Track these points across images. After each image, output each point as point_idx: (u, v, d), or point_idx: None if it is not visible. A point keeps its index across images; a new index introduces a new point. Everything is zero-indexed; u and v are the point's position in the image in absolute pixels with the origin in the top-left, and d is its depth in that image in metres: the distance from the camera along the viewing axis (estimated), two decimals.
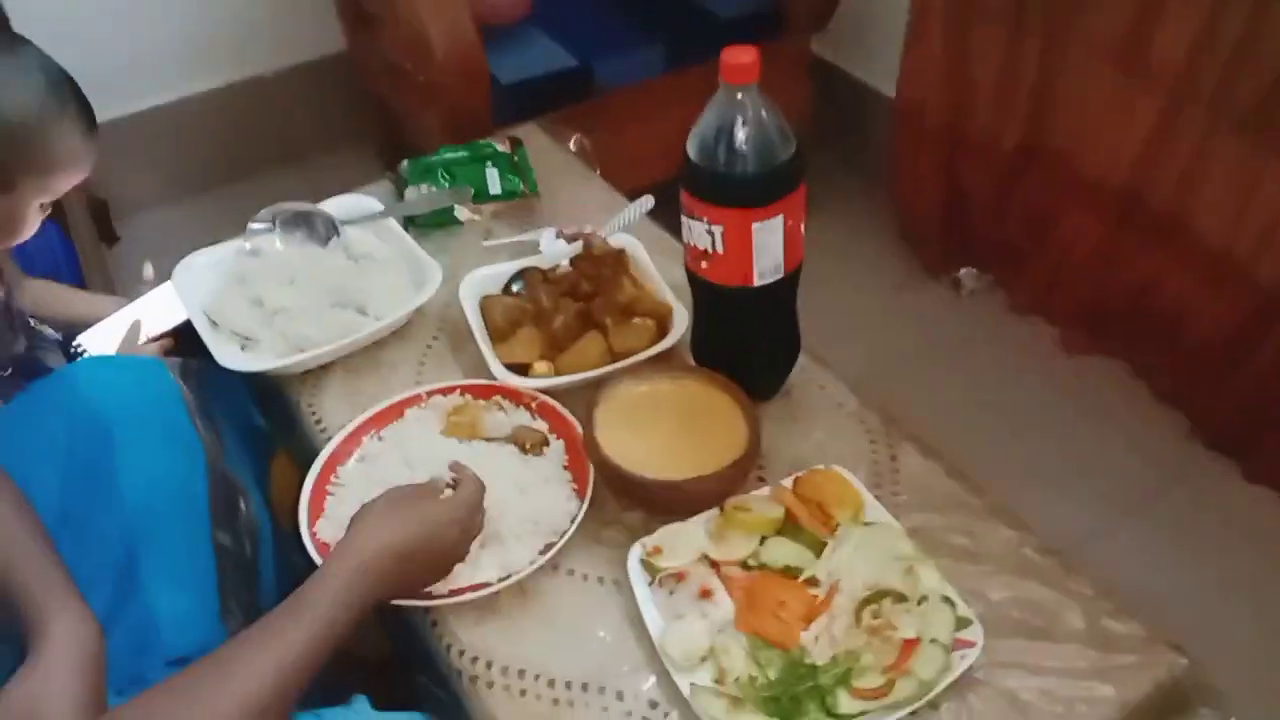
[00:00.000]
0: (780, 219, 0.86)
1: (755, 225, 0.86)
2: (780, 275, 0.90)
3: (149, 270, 1.25)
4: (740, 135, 0.83)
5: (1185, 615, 1.24)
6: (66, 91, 1.07)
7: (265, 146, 2.25)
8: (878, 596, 0.82)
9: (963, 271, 1.90)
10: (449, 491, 0.89)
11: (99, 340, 1.21)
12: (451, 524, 0.84)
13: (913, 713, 0.77)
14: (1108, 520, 1.51)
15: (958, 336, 1.82)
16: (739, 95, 0.83)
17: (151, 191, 2.18)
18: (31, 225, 1.14)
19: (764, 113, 0.84)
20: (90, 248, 1.77)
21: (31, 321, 1.28)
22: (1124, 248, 1.64)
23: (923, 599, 0.81)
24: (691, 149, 0.86)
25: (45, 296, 1.35)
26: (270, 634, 0.73)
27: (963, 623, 0.80)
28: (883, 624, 0.80)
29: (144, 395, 0.97)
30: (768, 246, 0.87)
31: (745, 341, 0.98)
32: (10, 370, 1.19)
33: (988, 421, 1.64)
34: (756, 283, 0.90)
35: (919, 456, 0.96)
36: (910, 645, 0.79)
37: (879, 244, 1.99)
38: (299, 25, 2.16)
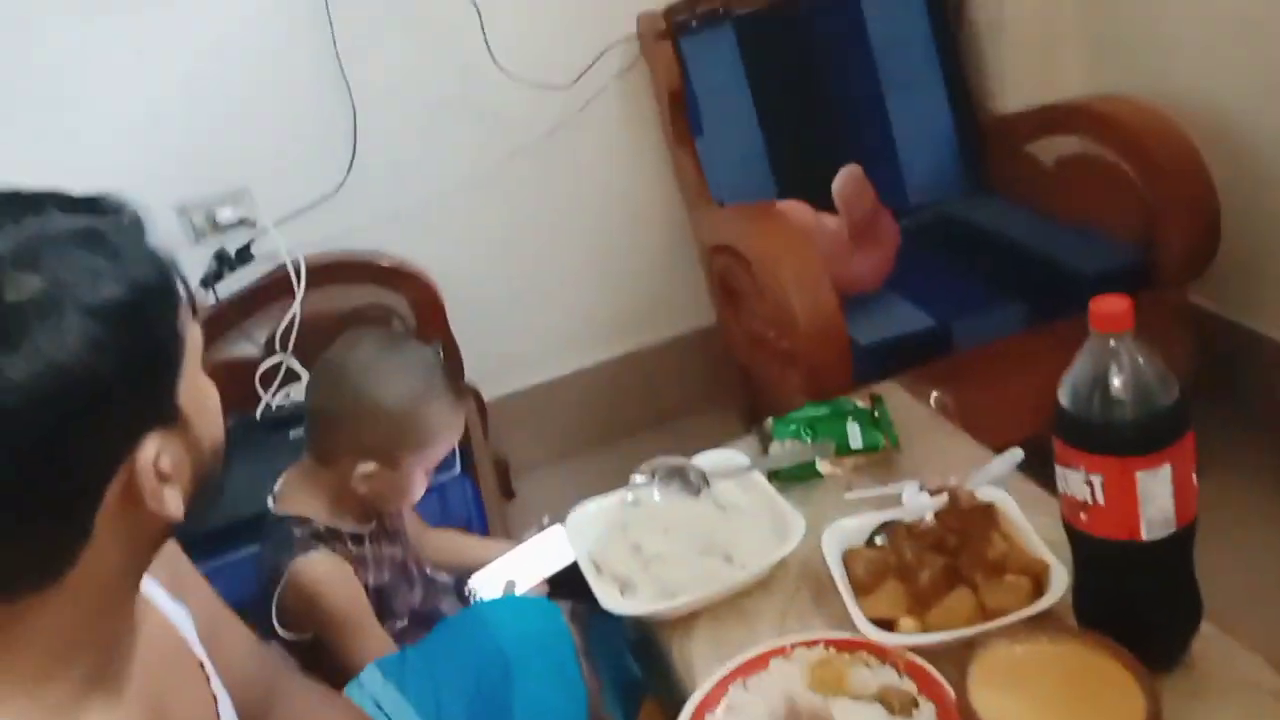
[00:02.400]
0: (1168, 468, 0.82)
1: (1139, 474, 0.82)
2: (1171, 530, 0.84)
3: (546, 519, 1.39)
4: (1116, 382, 0.81)
5: None
6: (438, 377, 1.26)
7: (640, 411, 2.46)
8: None
9: None
10: None
11: (487, 582, 1.35)
12: None
13: None
14: None
15: None
16: (1112, 343, 0.82)
17: (543, 453, 2.43)
18: (419, 489, 1.31)
19: (1140, 358, 0.82)
20: (494, 501, 1.99)
21: (428, 570, 1.46)
22: None
23: None
24: (1064, 396, 0.85)
25: (446, 545, 1.53)
26: None
27: None
28: None
29: (541, 635, 1.06)
30: (1155, 497, 0.82)
31: (1136, 602, 0.90)
32: (407, 621, 1.35)
33: None
34: (1145, 537, 0.84)
35: None
36: None
37: None
38: (675, 302, 2.41)
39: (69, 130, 1.90)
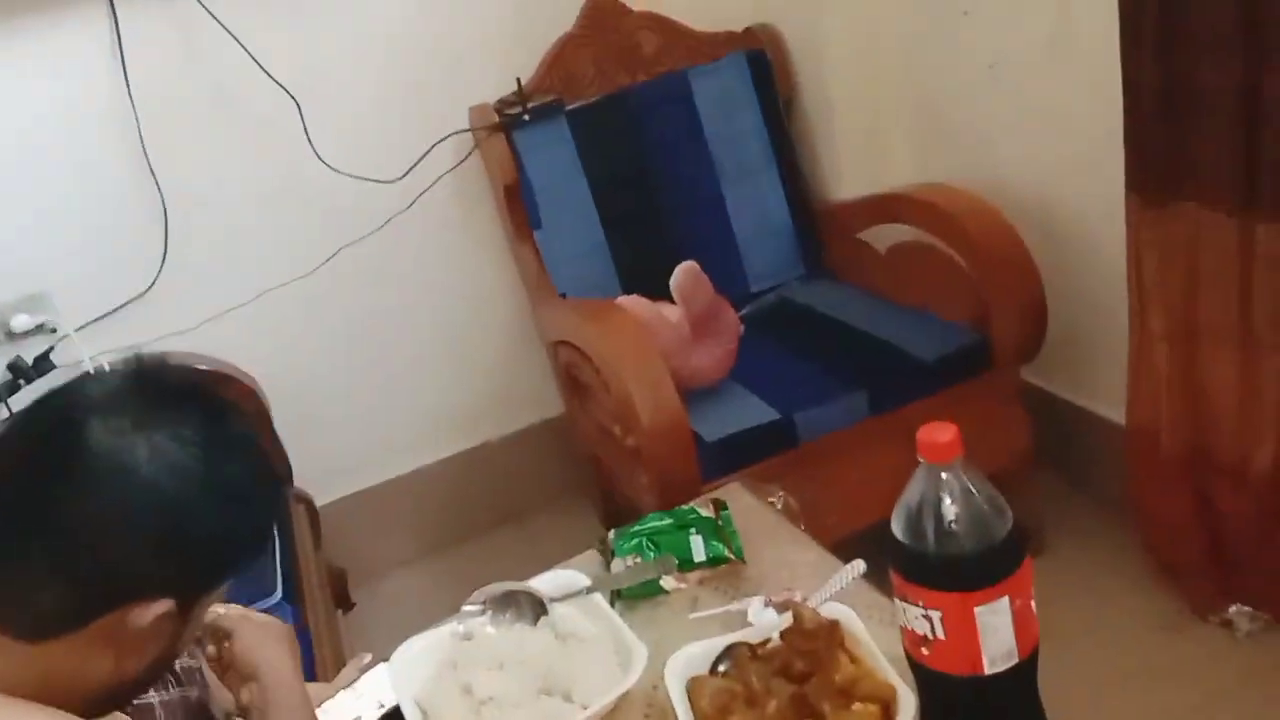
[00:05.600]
0: (1005, 601, 0.79)
1: (978, 609, 0.78)
2: (1014, 661, 0.81)
3: (367, 658, 1.27)
4: (949, 514, 0.78)
5: None
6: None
7: (490, 509, 2.36)
8: None
9: (1233, 610, 1.68)
10: None
11: None
12: None
13: None
14: None
15: (1239, 687, 1.58)
16: (943, 475, 0.79)
17: (387, 558, 2.30)
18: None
19: (972, 487, 0.79)
20: (324, 618, 1.85)
21: None
22: None
23: None
24: (897, 528, 0.82)
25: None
26: None
27: None
28: None
29: None
30: (995, 631, 0.79)
31: None
32: None
33: None
34: (987, 671, 0.80)
35: None
36: None
37: (1131, 583, 1.80)
38: (522, 394, 2.33)
39: None
